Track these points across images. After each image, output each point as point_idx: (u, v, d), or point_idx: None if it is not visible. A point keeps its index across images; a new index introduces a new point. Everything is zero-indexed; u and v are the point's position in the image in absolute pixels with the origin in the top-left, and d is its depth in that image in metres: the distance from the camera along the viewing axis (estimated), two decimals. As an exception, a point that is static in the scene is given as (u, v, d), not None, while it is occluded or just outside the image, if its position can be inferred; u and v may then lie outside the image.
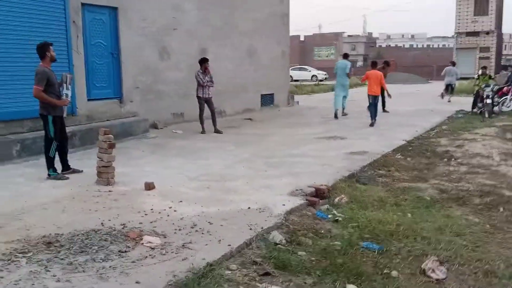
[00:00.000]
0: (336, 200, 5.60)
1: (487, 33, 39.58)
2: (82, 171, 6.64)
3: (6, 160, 7.38)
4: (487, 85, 13.82)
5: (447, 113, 14.22)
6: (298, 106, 17.51)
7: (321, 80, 39.52)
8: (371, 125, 11.54)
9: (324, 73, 43.16)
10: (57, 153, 6.56)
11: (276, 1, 16.51)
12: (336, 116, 13.22)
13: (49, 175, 6.39)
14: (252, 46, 15.19)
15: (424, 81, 34.90)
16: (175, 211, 4.86)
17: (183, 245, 3.94)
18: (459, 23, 40.46)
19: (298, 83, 34.51)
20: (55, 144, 6.45)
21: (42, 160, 7.38)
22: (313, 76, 41.86)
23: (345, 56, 14.66)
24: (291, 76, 38.30)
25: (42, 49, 6.34)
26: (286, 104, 17.11)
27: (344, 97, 13.69)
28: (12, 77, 7.89)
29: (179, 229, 4.32)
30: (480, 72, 15.17)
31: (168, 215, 4.73)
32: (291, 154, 8.14)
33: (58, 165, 6.58)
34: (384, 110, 14.30)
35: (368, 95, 11.85)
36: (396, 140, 9.42)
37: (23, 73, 7.94)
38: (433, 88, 25.23)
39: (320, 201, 5.59)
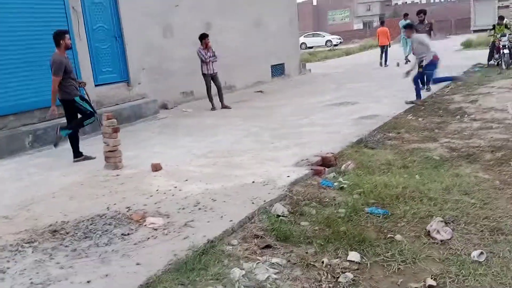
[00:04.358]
0: (343, 167, 5.52)
1: (506, -20, 37.77)
2: (95, 157, 6.67)
3: (20, 151, 7.55)
4: (503, 35, 13.27)
5: (463, 67, 13.77)
6: (310, 74, 17.25)
7: (335, 45, 38.79)
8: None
9: (338, 37, 42.34)
10: (68, 139, 6.73)
11: (280, -33, 16.08)
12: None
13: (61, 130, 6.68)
14: (259, 16, 14.91)
15: (442, 36, 33.81)
16: (180, 190, 4.90)
17: (185, 224, 3.97)
18: (475, -29, 38.75)
19: (312, 50, 33.97)
20: (95, 117, 6.72)
21: (55, 149, 7.56)
22: (327, 41, 41.09)
23: (405, 15, 17.28)
24: (304, 43, 37.88)
25: (58, 37, 6.47)
26: (297, 73, 16.87)
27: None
28: (18, 68, 7.97)
29: (182, 208, 4.35)
30: (497, 22, 14.53)
31: (173, 195, 4.76)
32: (300, 124, 8.06)
33: (69, 153, 6.71)
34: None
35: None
36: (407, 100, 9.19)
37: (29, 63, 8.05)
38: (450, 43, 24.45)
39: (327, 169, 5.54)
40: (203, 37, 10.46)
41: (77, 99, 6.58)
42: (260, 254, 3.51)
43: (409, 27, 9.63)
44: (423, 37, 9.30)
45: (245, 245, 3.65)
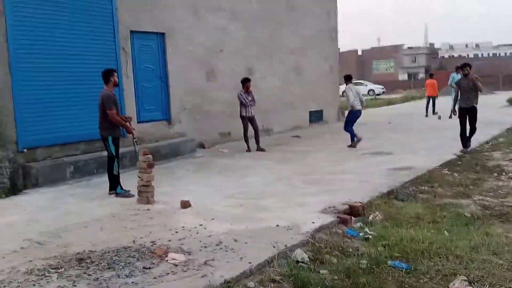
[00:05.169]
0: (370, 217, 5.48)
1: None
2: (133, 195, 6.55)
3: (61, 181, 7.91)
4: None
5: (507, 124, 13.42)
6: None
7: (378, 94, 38.75)
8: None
9: (381, 87, 42.36)
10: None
11: (324, 17, 16.54)
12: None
13: (116, 193, 6.81)
14: (299, 63, 15.27)
15: (488, 92, 33.16)
16: (205, 228, 4.99)
17: (205, 262, 4.03)
18: (525, 28, 38.16)
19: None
20: (117, 161, 6.93)
21: (94, 180, 7.91)
22: (369, 90, 41.13)
23: (457, 68, 16.42)
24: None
25: (107, 75, 6.94)
26: (336, 120, 16.93)
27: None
28: (69, 102, 8.50)
29: (205, 247, 4.42)
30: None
31: (197, 233, 4.86)
32: (332, 171, 8.07)
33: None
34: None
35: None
36: (446, 155, 9.05)
37: (78, 98, 8.58)
38: (496, 99, 23.92)
39: (354, 219, 5.50)
40: (245, 81, 10.81)
41: (109, 139, 6.86)
42: (275, 299, 3.51)
43: (347, 78, 11.14)
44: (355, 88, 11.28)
45: (261, 288, 3.66)
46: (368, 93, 40.28)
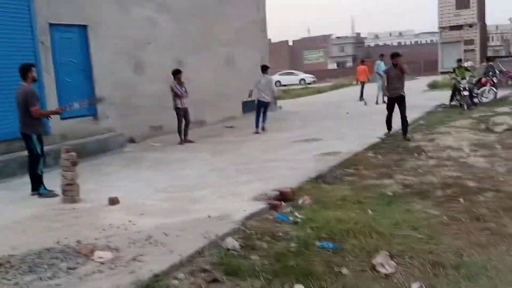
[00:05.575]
0: (300, 202, 5.61)
1: (470, 26, 39.79)
2: (58, 195, 6.27)
3: (-22, 184, 7.37)
4: (463, 78, 13.91)
5: (427, 107, 14.28)
6: (281, 111, 17.53)
7: (309, 83, 39.72)
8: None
9: (312, 76, 43.39)
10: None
11: (253, 9, 16.64)
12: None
13: (39, 193, 6.44)
14: (231, 55, 15.28)
15: (411, 78, 35.04)
16: (134, 224, 4.87)
17: (133, 258, 3.94)
18: (442, 17, 40.69)
19: (286, 87, 34.68)
20: (42, 160, 6.58)
21: (14, 182, 7.44)
22: (301, 79, 42.03)
23: (381, 56, 18.10)
24: (279, 81, 38.64)
25: (25, 70, 6.53)
26: (268, 110, 17.12)
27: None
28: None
29: (133, 243, 4.32)
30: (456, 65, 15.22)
31: (126, 229, 4.74)
32: (265, 160, 8.17)
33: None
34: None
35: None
36: (371, 139, 9.45)
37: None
38: (419, 84, 25.34)
39: (284, 204, 5.61)
40: (176, 73, 10.65)
41: (33, 136, 6.49)
42: (206, 288, 3.51)
43: (262, 68, 12.35)
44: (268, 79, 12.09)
45: (191, 279, 3.64)
46: (300, 82, 41.15)
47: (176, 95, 10.59)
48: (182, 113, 10.72)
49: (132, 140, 10.97)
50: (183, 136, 10.76)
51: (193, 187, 6.47)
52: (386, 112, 9.86)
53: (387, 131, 9.88)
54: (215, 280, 3.64)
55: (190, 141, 10.71)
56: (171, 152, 9.68)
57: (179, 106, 10.65)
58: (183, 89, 10.65)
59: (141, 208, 5.46)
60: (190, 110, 10.99)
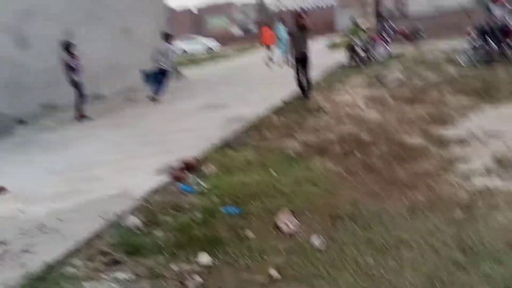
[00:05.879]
0: (205, 170, 5.52)
1: (363, -13, 41.45)
2: None
3: None
4: (359, 38, 14.51)
5: (327, 67, 14.72)
6: (186, 80, 17.13)
7: (211, 49, 39.64)
8: None
9: (215, 41, 43.04)
10: None
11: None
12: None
13: None
14: (128, 25, 14.46)
15: (310, 37, 35.99)
16: (23, 213, 4.48)
17: (23, 250, 3.62)
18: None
19: (191, 55, 34.06)
20: None
21: None
22: (208, 48, 41.37)
23: (280, 19, 17.99)
24: (184, 50, 37.69)
25: None
26: (173, 79, 16.64)
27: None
28: None
29: (23, 233, 3.97)
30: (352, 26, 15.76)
31: (14, 219, 4.33)
32: (169, 131, 7.92)
33: None
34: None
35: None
36: (276, 101, 9.52)
37: None
38: (318, 46, 26.05)
39: (189, 174, 5.48)
40: (67, 46, 9.83)
41: None
42: (105, 272, 3.33)
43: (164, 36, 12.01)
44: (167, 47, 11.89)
45: (90, 264, 3.43)
46: (206, 51, 40.47)
47: (70, 69, 9.84)
48: (79, 87, 10.02)
49: (21, 122, 10.04)
50: (80, 112, 10.08)
51: (90, 166, 6.09)
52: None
53: (302, 94, 9.73)
54: (116, 262, 3.46)
55: (88, 117, 10.07)
56: (67, 131, 9.03)
57: (76, 79, 9.94)
58: (77, 62, 9.91)
59: (32, 195, 5.03)
60: (86, 84, 10.28)
